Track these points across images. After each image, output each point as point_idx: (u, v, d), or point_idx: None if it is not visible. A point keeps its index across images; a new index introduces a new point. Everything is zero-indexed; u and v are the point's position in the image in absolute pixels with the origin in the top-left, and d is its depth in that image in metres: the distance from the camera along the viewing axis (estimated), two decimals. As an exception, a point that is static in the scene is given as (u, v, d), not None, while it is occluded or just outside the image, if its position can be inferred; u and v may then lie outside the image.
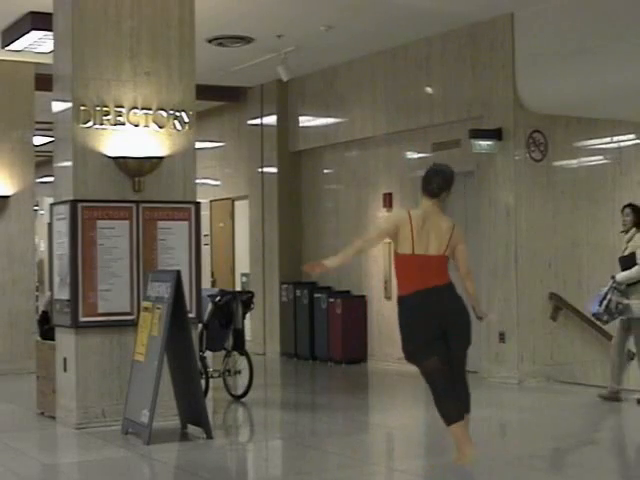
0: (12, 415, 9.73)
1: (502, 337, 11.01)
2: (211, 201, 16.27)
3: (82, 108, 8.59)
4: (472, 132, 11.03)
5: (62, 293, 8.72)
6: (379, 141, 13.02)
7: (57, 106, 8.96)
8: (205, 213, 15.00)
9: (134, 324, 8.44)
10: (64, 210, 8.67)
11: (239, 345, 10.15)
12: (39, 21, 10.23)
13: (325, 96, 13.71)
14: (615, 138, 10.86)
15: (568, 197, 11.19)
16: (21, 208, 12.62)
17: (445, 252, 6.87)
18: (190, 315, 8.49)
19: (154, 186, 8.81)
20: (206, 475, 7.08)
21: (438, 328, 6.77)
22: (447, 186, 7.02)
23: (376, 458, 7.82)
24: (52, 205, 9.06)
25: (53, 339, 9.01)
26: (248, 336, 11.87)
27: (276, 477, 7.40)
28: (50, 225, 9.28)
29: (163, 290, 8.05)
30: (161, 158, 8.81)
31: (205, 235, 14.67)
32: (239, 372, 10.22)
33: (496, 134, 10.97)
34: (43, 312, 10.36)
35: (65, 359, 8.68)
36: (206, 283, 13.94)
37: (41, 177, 17.64)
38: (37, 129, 13.12)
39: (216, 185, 16.25)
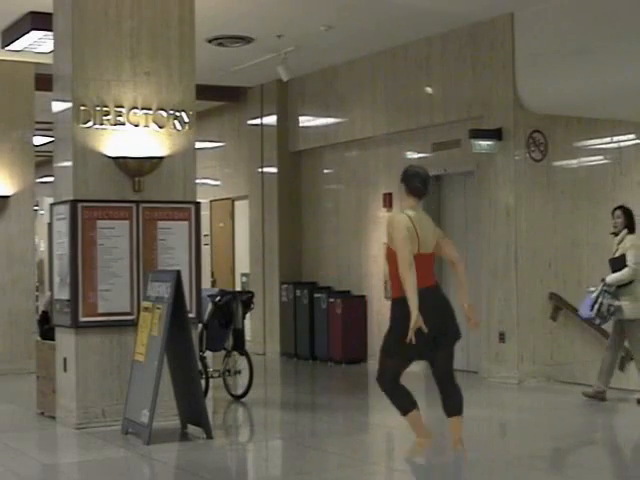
0: (12, 415, 9.73)
1: (502, 337, 11.01)
2: (211, 201, 16.27)
3: (82, 108, 8.59)
4: (472, 132, 11.03)
5: (62, 293, 8.73)
6: (379, 141, 13.02)
7: (57, 106, 8.96)
8: (205, 213, 15.00)
9: (134, 324, 8.44)
10: (64, 210, 8.67)
11: (239, 345, 10.16)
12: (39, 21, 10.23)
13: (325, 96, 13.71)
14: (615, 138, 10.85)
15: (568, 197, 11.19)
16: (21, 208, 12.62)
17: (434, 249, 7.14)
18: (190, 315, 8.49)
19: (154, 186, 8.81)
20: (206, 475, 7.08)
21: (435, 326, 6.87)
22: (429, 187, 7.27)
23: (376, 458, 7.82)
24: (52, 205, 9.06)
25: (53, 339, 9.01)
26: (248, 336, 11.87)
27: (276, 477, 7.40)
28: (50, 225, 9.28)
29: (163, 290, 8.05)
30: (161, 158, 8.81)
31: (205, 235, 14.67)
32: (239, 372, 10.22)
33: (496, 134, 10.97)
34: (43, 312, 10.37)
35: (65, 359, 8.68)
36: (206, 283, 13.94)
37: (41, 177, 17.65)
38: (37, 129, 13.12)
39: (216, 185, 16.26)
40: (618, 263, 9.54)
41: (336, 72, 13.45)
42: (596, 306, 9.49)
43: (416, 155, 12.48)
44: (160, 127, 8.85)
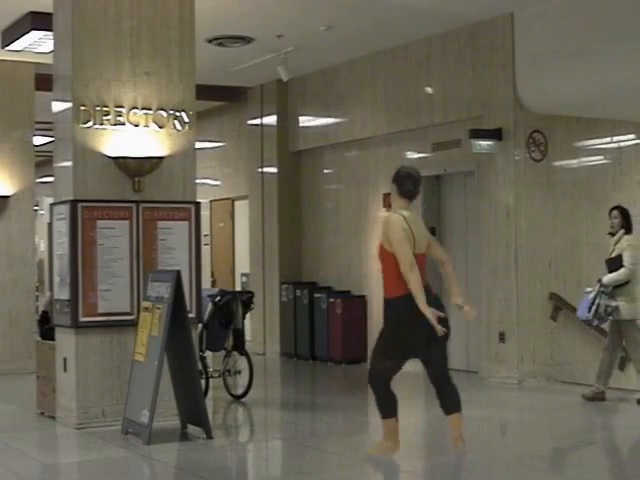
0: (12, 415, 9.73)
1: (502, 337, 11.01)
2: (211, 201, 16.27)
3: (82, 108, 8.59)
4: (472, 132, 11.03)
5: (62, 293, 8.73)
6: (379, 141, 13.02)
7: (57, 106, 8.96)
8: (205, 213, 15.01)
9: (134, 324, 8.44)
10: (64, 210, 8.67)
11: (239, 345, 10.16)
12: (39, 21, 10.23)
13: (325, 96, 13.71)
14: (615, 138, 10.85)
15: (568, 197, 11.19)
16: (21, 208, 12.62)
17: (425, 250, 7.20)
18: (190, 315, 8.50)
19: (154, 186, 8.81)
20: (206, 475, 7.08)
21: (430, 326, 6.92)
22: (419, 188, 7.32)
23: (376, 458, 7.81)
24: (52, 205, 9.07)
25: (53, 339, 9.02)
26: (248, 336, 11.88)
27: (276, 477, 7.40)
28: (50, 225, 9.28)
29: (163, 290, 8.05)
30: (161, 158, 8.82)
31: (205, 235, 14.67)
32: (239, 372, 10.22)
33: (496, 134, 10.97)
34: (43, 312, 10.37)
35: (65, 359, 8.68)
36: (206, 283, 13.94)
37: (41, 177, 17.66)
38: (37, 129, 13.12)
39: (216, 185, 16.26)
40: (615, 263, 9.56)
41: (336, 72, 13.45)
42: (593, 307, 9.51)
43: (416, 155, 12.48)
44: (160, 127, 8.85)
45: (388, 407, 7.18)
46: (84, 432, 8.36)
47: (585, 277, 10.86)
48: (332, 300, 13.18)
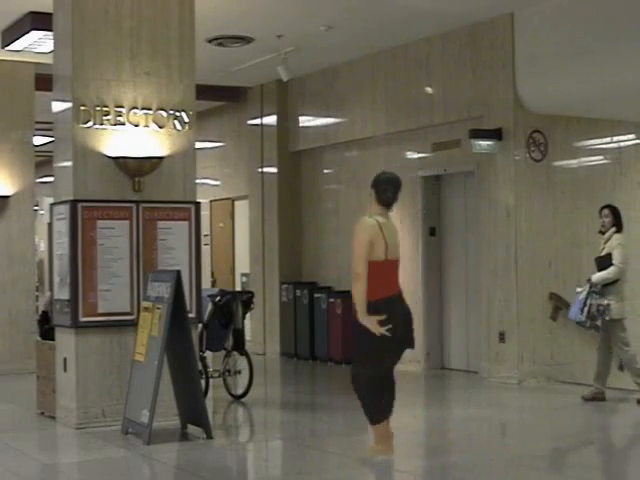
0: (12, 415, 9.73)
1: (502, 337, 11.01)
2: (211, 201, 16.27)
3: (82, 108, 8.59)
4: (472, 132, 11.03)
5: (62, 293, 8.73)
6: (379, 141, 13.01)
7: (57, 106, 8.96)
8: (205, 213, 15.00)
9: (134, 324, 8.44)
10: (64, 210, 8.68)
11: (239, 345, 10.16)
12: (39, 21, 10.23)
13: (325, 96, 13.71)
14: (615, 138, 10.85)
15: (568, 197, 11.19)
16: (21, 208, 12.62)
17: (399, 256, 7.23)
18: (190, 315, 8.50)
19: (154, 186, 8.81)
20: (206, 475, 7.08)
21: (402, 331, 7.02)
22: (398, 195, 7.26)
23: (374, 460, 7.81)
24: (52, 205, 9.07)
25: (53, 339, 9.02)
26: (248, 336, 11.88)
27: (276, 477, 7.40)
28: (50, 225, 9.29)
29: (163, 290, 8.05)
30: (161, 158, 8.82)
31: (205, 235, 14.67)
32: (239, 372, 10.22)
33: (496, 134, 10.97)
34: (43, 312, 10.36)
35: (65, 359, 8.68)
36: (206, 283, 13.93)
37: (41, 177, 17.65)
38: (37, 129, 13.12)
39: (216, 185, 16.26)
40: (604, 262, 9.58)
41: (336, 72, 13.44)
42: (585, 309, 9.52)
43: (416, 155, 12.48)
44: (160, 127, 8.86)
45: (376, 412, 7.11)
46: (84, 432, 8.36)
47: (585, 277, 10.84)
48: (332, 300, 13.17)
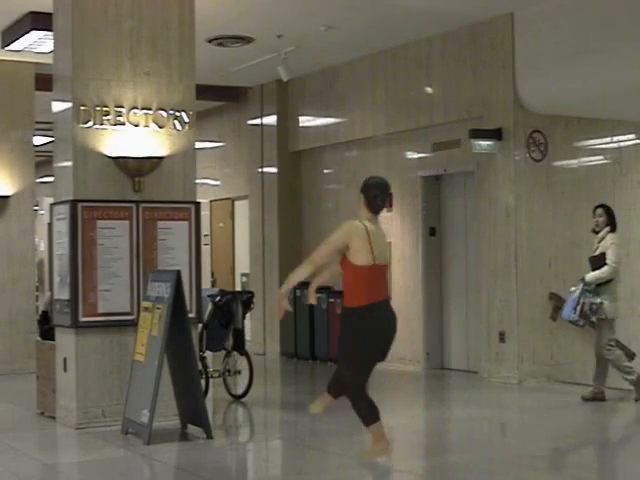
0: (12, 415, 9.73)
1: (502, 337, 11.01)
2: (211, 201, 16.27)
3: (82, 108, 8.59)
4: (472, 132, 11.03)
5: (62, 293, 8.72)
6: (379, 141, 13.01)
7: (57, 106, 8.96)
8: (205, 213, 15.00)
9: (134, 324, 8.44)
10: (64, 210, 8.67)
11: (239, 345, 10.15)
12: (39, 21, 10.23)
13: (325, 96, 13.71)
14: (615, 138, 10.86)
15: (568, 197, 11.19)
16: (21, 208, 12.62)
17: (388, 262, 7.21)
18: (190, 315, 8.49)
19: (154, 186, 8.81)
20: (206, 475, 7.08)
21: (386, 338, 7.03)
22: (387, 201, 7.27)
23: (373, 460, 7.81)
24: (52, 205, 9.07)
25: (53, 339, 9.01)
26: (248, 336, 11.87)
27: (276, 477, 7.40)
28: (50, 225, 9.28)
29: (163, 290, 8.05)
30: (161, 158, 8.81)
31: (205, 235, 14.66)
32: (239, 372, 10.22)
33: (496, 134, 10.97)
34: (43, 312, 10.37)
35: (65, 359, 8.68)
36: (206, 283, 13.93)
37: (41, 177, 17.65)
38: (37, 129, 13.12)
39: (216, 185, 16.25)
40: (598, 261, 9.59)
41: (336, 72, 13.44)
42: (578, 307, 9.52)
43: (416, 155, 12.48)
44: (160, 127, 8.85)
45: (369, 414, 7.08)
46: (84, 432, 8.36)
47: (585, 277, 10.87)
48: (332, 300, 13.17)
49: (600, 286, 9.55)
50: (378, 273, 7.01)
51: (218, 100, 15.18)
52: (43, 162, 17.70)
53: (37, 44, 11.02)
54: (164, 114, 8.86)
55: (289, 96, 14.31)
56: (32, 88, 12.61)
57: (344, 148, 13.67)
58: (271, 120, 14.53)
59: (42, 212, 18.70)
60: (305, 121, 14.17)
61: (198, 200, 9.09)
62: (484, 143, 10.97)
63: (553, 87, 10.46)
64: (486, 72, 11.17)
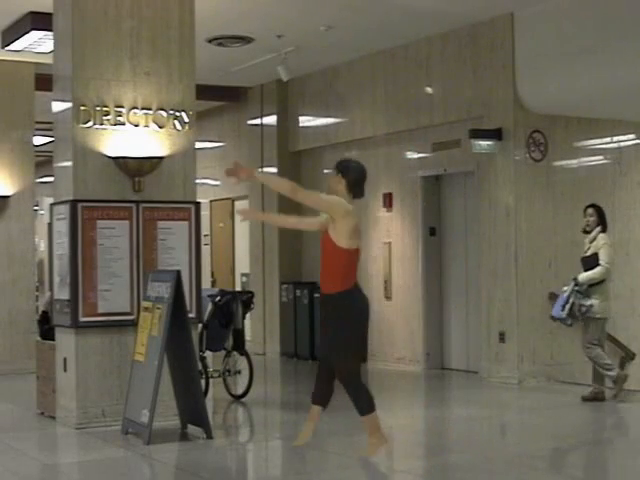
0: (12, 415, 9.73)
1: (502, 337, 11.01)
2: (211, 201, 16.27)
3: (82, 108, 8.59)
4: (472, 132, 11.03)
5: (62, 293, 8.72)
6: (379, 141, 13.01)
7: (57, 106, 8.96)
8: (205, 213, 15.00)
9: (134, 324, 8.44)
10: (64, 210, 8.67)
11: (239, 345, 10.16)
12: (39, 21, 10.23)
13: (325, 96, 13.71)
14: (615, 138, 10.84)
15: (568, 197, 11.18)
16: (21, 208, 12.62)
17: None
18: (190, 315, 8.49)
19: (154, 186, 8.81)
20: (206, 475, 7.08)
21: (366, 322, 7.27)
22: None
23: (376, 458, 7.81)
24: (52, 205, 9.06)
25: (53, 339, 9.01)
26: (248, 336, 11.87)
27: (276, 477, 7.40)
28: (50, 225, 9.28)
29: (163, 290, 8.05)
30: (161, 158, 8.81)
31: (205, 235, 14.67)
32: (239, 372, 10.22)
33: (496, 134, 10.97)
34: (43, 312, 10.37)
35: (65, 359, 8.68)
36: (206, 283, 13.93)
37: (41, 177, 17.65)
38: (37, 129, 13.12)
39: (216, 185, 16.25)
40: (590, 262, 9.59)
41: (336, 72, 13.44)
42: (567, 306, 9.53)
43: (416, 155, 12.48)
44: (160, 127, 8.85)
45: (366, 403, 7.16)
46: (84, 432, 8.36)
47: (585, 277, 10.87)
48: (332, 300, 13.15)
49: (592, 286, 9.55)
50: (357, 257, 7.17)
51: (218, 100, 15.18)
52: (43, 162, 17.70)
53: (37, 44, 11.02)
54: (164, 114, 8.86)
55: (289, 96, 14.31)
56: (32, 88, 12.61)
57: (344, 148, 13.66)
58: (271, 120, 14.53)
59: (42, 212, 18.70)
60: (305, 121, 14.17)
61: (198, 200, 9.09)
62: (484, 143, 10.97)
63: (553, 87, 10.46)
64: (486, 72, 11.17)
